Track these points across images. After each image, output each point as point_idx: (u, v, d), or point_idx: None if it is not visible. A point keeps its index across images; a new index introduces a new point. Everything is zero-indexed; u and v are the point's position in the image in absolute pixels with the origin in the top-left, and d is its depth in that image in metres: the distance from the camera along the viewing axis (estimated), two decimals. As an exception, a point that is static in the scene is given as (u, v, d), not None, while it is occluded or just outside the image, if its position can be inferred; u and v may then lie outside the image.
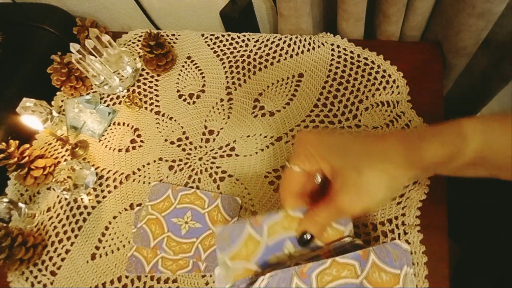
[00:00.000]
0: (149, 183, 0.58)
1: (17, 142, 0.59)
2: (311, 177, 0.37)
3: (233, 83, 0.65)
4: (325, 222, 0.37)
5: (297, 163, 0.36)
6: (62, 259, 0.55)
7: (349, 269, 0.37)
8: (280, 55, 0.66)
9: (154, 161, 0.60)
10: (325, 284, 0.36)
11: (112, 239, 0.55)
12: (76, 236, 0.57)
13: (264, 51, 0.67)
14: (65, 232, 0.57)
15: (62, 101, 0.68)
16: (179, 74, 0.68)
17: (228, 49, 0.69)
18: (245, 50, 0.68)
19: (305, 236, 0.38)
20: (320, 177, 0.38)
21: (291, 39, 0.67)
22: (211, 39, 0.71)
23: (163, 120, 0.64)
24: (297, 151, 0.36)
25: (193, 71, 0.68)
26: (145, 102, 0.66)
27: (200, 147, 0.60)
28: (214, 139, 0.60)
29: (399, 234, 0.48)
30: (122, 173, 0.60)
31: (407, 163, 0.32)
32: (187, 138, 0.61)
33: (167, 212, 0.54)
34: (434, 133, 0.33)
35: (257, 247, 0.39)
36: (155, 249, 0.52)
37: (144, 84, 0.68)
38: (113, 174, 0.60)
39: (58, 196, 0.60)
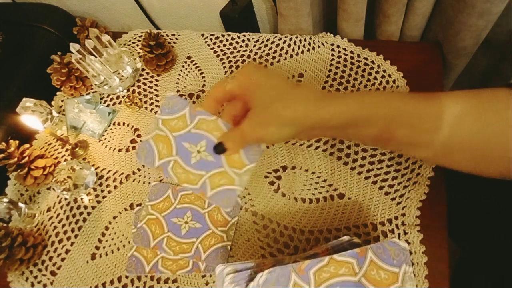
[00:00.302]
0: (149, 183, 0.58)
1: (17, 142, 0.59)
2: (237, 101, 0.41)
3: (233, 83, 0.65)
4: (235, 140, 0.41)
5: (231, 83, 0.39)
6: (62, 259, 0.55)
7: (346, 266, 0.37)
8: (280, 55, 0.66)
9: (154, 161, 0.60)
10: (322, 281, 0.37)
11: (112, 239, 0.55)
12: (76, 236, 0.57)
13: (264, 51, 0.67)
14: (65, 232, 0.57)
15: (62, 101, 0.68)
16: (179, 74, 0.68)
17: (228, 49, 0.69)
18: (245, 50, 0.68)
19: (218, 146, 0.42)
20: None
21: (291, 39, 0.67)
22: (211, 39, 0.71)
23: (163, 120, 0.64)
24: (238, 74, 0.39)
25: (193, 71, 0.68)
26: (145, 102, 0.66)
27: (200, 147, 0.60)
28: (214, 139, 0.60)
29: (399, 234, 0.48)
30: (122, 173, 0.60)
31: (307, 111, 0.35)
32: (187, 138, 0.61)
33: (167, 212, 0.54)
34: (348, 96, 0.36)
35: (183, 127, 0.45)
36: (155, 249, 0.52)
37: (144, 84, 0.68)
38: (113, 174, 0.60)
39: (58, 196, 0.60)
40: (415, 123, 0.34)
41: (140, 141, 0.51)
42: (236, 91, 0.39)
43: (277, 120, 0.36)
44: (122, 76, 0.68)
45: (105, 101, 0.68)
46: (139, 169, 0.60)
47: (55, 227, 0.58)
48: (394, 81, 0.59)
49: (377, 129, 0.35)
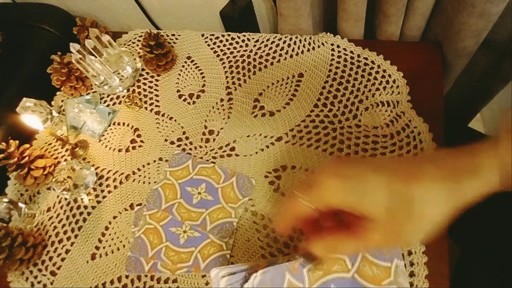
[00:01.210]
0: (149, 183, 0.58)
1: (17, 142, 0.59)
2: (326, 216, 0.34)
3: (233, 83, 0.65)
4: (343, 253, 0.35)
5: (311, 204, 0.32)
6: (62, 259, 0.55)
7: (339, 263, 0.37)
8: (280, 55, 0.66)
9: (154, 161, 0.60)
10: (317, 279, 0.37)
11: (112, 239, 0.55)
12: (76, 236, 0.57)
13: (264, 51, 0.67)
14: (65, 232, 0.57)
15: (62, 101, 0.68)
16: (179, 74, 0.68)
17: (228, 49, 0.69)
18: (245, 50, 0.68)
19: (311, 257, 0.35)
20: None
21: (291, 39, 0.67)
22: (211, 39, 0.71)
23: (163, 120, 0.64)
24: (316, 197, 0.32)
25: (193, 71, 0.68)
26: (145, 102, 0.66)
27: (200, 147, 0.60)
28: (214, 139, 0.60)
29: (399, 234, 0.48)
30: (122, 173, 0.60)
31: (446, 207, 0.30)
32: (187, 138, 0.61)
33: (165, 221, 0.54)
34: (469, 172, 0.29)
35: (187, 175, 0.56)
36: (153, 259, 0.52)
37: (144, 84, 0.68)
38: (113, 174, 0.60)
39: (58, 196, 0.60)
40: None
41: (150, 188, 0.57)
42: (326, 209, 0.32)
43: (414, 239, 0.32)
44: (122, 76, 0.68)
45: (105, 101, 0.68)
46: (139, 169, 0.60)
47: (55, 227, 0.58)
48: (394, 81, 0.59)
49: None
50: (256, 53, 0.67)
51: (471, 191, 0.29)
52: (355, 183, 0.30)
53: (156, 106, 0.65)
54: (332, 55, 0.64)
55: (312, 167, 0.54)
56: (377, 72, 0.60)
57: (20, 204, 0.57)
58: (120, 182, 0.59)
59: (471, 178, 0.29)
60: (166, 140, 0.62)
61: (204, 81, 0.66)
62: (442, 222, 0.29)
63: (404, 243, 0.32)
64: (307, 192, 0.32)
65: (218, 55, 0.68)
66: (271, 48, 0.67)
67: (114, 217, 0.57)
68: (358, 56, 0.63)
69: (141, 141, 0.62)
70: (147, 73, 0.69)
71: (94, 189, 0.60)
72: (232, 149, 0.59)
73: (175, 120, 0.63)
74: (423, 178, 0.29)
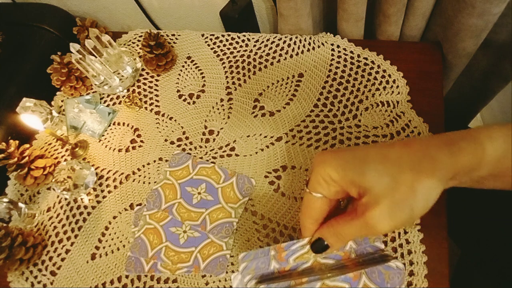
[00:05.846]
0: (149, 183, 0.58)
1: (17, 142, 0.59)
2: (332, 201, 0.35)
3: (233, 83, 0.65)
4: (348, 237, 0.34)
5: (318, 190, 0.33)
6: (62, 259, 0.55)
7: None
8: (280, 55, 0.66)
9: (154, 161, 0.60)
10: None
11: (112, 239, 0.55)
12: (76, 236, 0.57)
13: (264, 51, 0.67)
14: (65, 232, 0.57)
15: (62, 101, 0.68)
16: (179, 74, 0.68)
17: (228, 49, 0.69)
18: (245, 50, 0.68)
19: (317, 243, 0.35)
20: (344, 202, 0.37)
21: (291, 39, 0.67)
22: (211, 39, 0.71)
23: (163, 120, 0.64)
24: (315, 175, 0.33)
25: (193, 71, 0.68)
26: (145, 102, 0.66)
27: (200, 147, 0.60)
28: (214, 139, 0.60)
29: (399, 234, 0.48)
30: (122, 173, 0.60)
31: (440, 171, 0.30)
32: (187, 138, 0.61)
33: (165, 221, 0.54)
34: (458, 140, 0.31)
35: (187, 175, 0.56)
36: (153, 259, 0.52)
37: (144, 84, 0.68)
38: (113, 174, 0.60)
39: (58, 196, 0.60)
40: None
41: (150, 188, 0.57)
42: (334, 193, 0.33)
43: (415, 216, 0.30)
44: (122, 76, 0.68)
45: (105, 101, 0.68)
46: (139, 169, 0.60)
47: (55, 227, 0.58)
48: (394, 81, 0.59)
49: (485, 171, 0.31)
50: (256, 53, 0.67)
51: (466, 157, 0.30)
52: (356, 161, 0.31)
53: (156, 106, 0.65)
54: (332, 55, 0.64)
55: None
56: (377, 72, 0.60)
57: (20, 204, 0.57)
58: (120, 182, 0.59)
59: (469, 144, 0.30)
60: (166, 140, 0.62)
61: (204, 81, 0.66)
62: (436, 188, 0.30)
63: (406, 221, 0.30)
64: (312, 181, 0.33)
65: (218, 55, 0.69)
66: (271, 48, 0.67)
67: (114, 217, 0.57)
68: (358, 56, 0.63)
69: (141, 141, 0.63)
70: (147, 73, 0.69)
71: (94, 189, 0.60)
72: (232, 149, 0.59)
73: (175, 120, 0.63)
74: (411, 148, 0.31)
